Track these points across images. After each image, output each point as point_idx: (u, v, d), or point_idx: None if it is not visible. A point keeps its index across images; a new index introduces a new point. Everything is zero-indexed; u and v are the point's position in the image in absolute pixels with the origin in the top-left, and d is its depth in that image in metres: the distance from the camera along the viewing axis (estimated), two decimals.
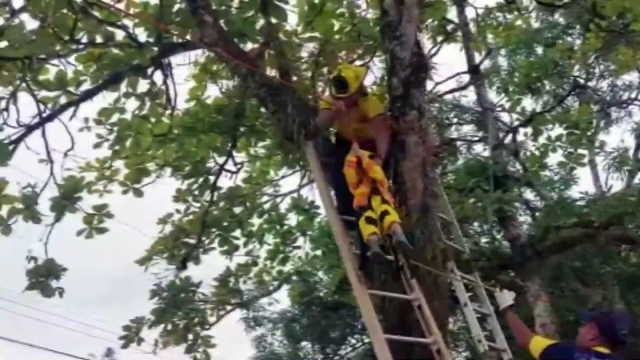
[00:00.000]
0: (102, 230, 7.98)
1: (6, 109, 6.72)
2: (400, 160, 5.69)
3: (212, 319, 10.71)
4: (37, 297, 7.60)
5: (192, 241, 9.83)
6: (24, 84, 6.67)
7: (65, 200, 7.39)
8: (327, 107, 5.88)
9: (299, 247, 11.13)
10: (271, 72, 6.71)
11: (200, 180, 9.48)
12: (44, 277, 7.41)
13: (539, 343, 4.33)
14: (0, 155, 5.33)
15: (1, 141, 5.49)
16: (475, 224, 10.82)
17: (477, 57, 10.98)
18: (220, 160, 9.20)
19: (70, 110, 7.22)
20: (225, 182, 9.73)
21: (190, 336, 10.28)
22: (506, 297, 4.95)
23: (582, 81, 11.84)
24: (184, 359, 10.45)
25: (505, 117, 11.66)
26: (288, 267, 11.66)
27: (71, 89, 7.28)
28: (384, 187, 5.35)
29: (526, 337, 4.44)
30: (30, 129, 6.80)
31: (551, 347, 4.27)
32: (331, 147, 6.00)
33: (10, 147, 6.55)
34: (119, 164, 8.78)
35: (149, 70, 7.47)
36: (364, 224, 5.18)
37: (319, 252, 11.38)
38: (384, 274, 5.39)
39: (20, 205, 7.34)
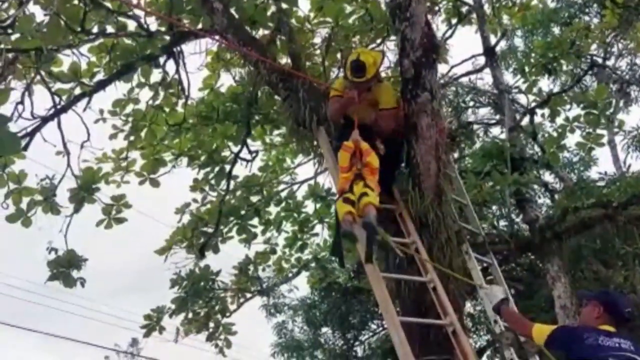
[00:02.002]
0: (121, 220, 8.06)
1: (21, 102, 6.78)
2: (413, 143, 5.67)
3: (232, 307, 10.80)
4: (65, 289, 7.73)
5: (210, 230, 9.89)
6: (38, 77, 6.73)
7: (84, 192, 7.46)
8: (338, 94, 5.85)
9: (316, 235, 11.15)
10: (283, 59, 6.71)
11: (216, 169, 9.51)
12: (65, 267, 7.52)
13: (542, 330, 4.24)
14: (13, 146, 5.39)
15: (12, 132, 5.53)
16: (493, 207, 10.75)
17: (493, 39, 10.85)
18: (236, 149, 9.23)
19: (85, 101, 7.27)
20: (241, 171, 9.78)
21: (211, 324, 10.37)
22: (496, 292, 4.92)
23: (599, 60, 11.65)
24: (205, 346, 10.57)
25: (522, 98, 11.53)
26: (306, 254, 11.70)
27: (85, 80, 7.34)
28: (373, 175, 5.33)
29: (527, 327, 4.36)
30: (45, 120, 6.87)
31: (557, 331, 4.20)
32: (341, 130, 5.98)
33: (26, 139, 6.64)
34: (135, 154, 8.85)
35: (161, 60, 7.50)
36: (341, 203, 5.21)
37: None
38: (399, 257, 5.40)
39: (39, 197, 7.44)
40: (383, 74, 6.84)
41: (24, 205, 7.49)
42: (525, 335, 4.43)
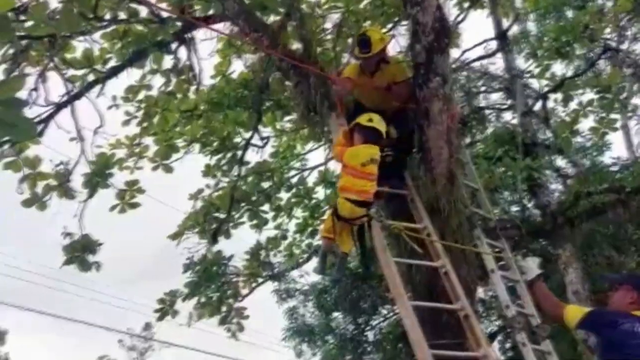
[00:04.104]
0: (134, 206, 8.12)
1: (35, 88, 6.83)
2: (425, 128, 5.67)
3: (244, 292, 10.88)
4: (78, 274, 7.82)
5: (222, 216, 9.94)
6: (51, 63, 6.76)
7: (97, 177, 7.53)
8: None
9: None
10: (293, 44, 6.70)
11: (228, 155, 9.54)
12: (81, 252, 7.61)
13: (575, 312, 4.17)
14: (28, 132, 5.45)
15: (27, 118, 5.58)
16: (505, 192, 10.73)
17: (505, 23, 10.78)
18: (247, 135, 9.25)
19: (98, 88, 7.31)
20: (252, 157, 9.80)
21: (224, 308, 10.45)
22: (532, 266, 4.84)
23: (613, 44, 11.53)
24: (218, 330, 10.67)
25: (534, 83, 11.46)
26: (317, 240, 11.74)
27: (98, 66, 7.38)
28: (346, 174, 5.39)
29: (559, 308, 4.28)
30: (59, 107, 6.92)
31: (591, 314, 4.11)
32: (352, 115, 6.00)
33: (41, 126, 6.69)
34: (148, 140, 8.89)
35: (173, 46, 7.52)
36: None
37: None
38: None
39: (54, 182, 7.51)
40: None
41: (38, 191, 7.55)
42: (554, 315, 4.31)
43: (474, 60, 11.27)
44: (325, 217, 5.79)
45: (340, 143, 5.54)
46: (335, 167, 10.12)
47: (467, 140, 10.45)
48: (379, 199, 5.69)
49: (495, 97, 11.78)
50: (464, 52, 10.62)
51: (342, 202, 5.27)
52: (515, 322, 5.34)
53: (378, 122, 5.41)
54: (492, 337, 10.93)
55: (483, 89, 11.57)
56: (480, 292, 10.61)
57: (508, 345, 11.80)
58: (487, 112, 11.43)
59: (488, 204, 6.33)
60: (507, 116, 11.45)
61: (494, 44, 11.01)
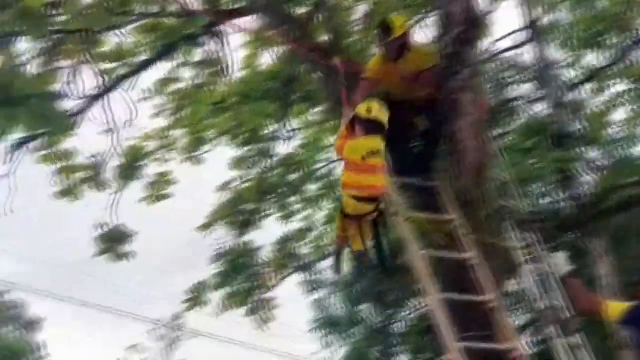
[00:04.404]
0: (164, 197, 8.24)
1: (69, 82, 6.94)
2: (454, 120, 5.64)
3: (272, 283, 10.96)
4: (107, 264, 7.97)
5: (250, 208, 10.02)
6: (84, 57, 6.87)
7: (129, 169, 7.66)
8: (371, 76, 5.89)
9: None
10: (321, 36, 6.71)
11: (256, 147, 9.61)
12: (114, 242, 7.76)
13: (616, 307, 4.11)
14: (62, 125, 5.61)
15: (61, 111, 5.74)
16: (535, 184, 10.60)
17: (536, 13, 10.59)
18: (275, 127, 9.30)
19: (130, 81, 7.41)
20: (280, 149, 9.85)
21: (252, 299, 10.55)
22: (561, 261, 4.83)
23: None
24: (246, 321, 10.76)
25: (566, 73, 11.27)
26: None
27: (129, 60, 7.47)
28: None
29: (596, 302, 4.22)
30: (92, 100, 7.04)
31: (636, 309, 4.01)
32: None
33: (75, 119, 6.82)
34: (177, 133, 8.99)
35: (203, 39, 7.58)
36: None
37: None
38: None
39: (86, 174, 7.65)
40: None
41: (71, 183, 7.70)
42: (591, 310, 4.24)
43: (504, 51, 11.11)
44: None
45: (342, 136, 5.36)
46: None
47: (497, 132, 10.34)
48: (407, 192, 5.68)
49: (526, 87, 11.60)
50: (494, 42, 10.48)
51: (346, 200, 5.13)
52: (545, 315, 5.31)
53: (378, 112, 5.20)
54: (521, 330, 10.85)
55: (513, 80, 11.40)
56: (510, 285, 10.52)
57: (537, 338, 11.70)
58: (517, 103, 11.28)
59: (518, 197, 6.28)
60: (538, 107, 11.28)
61: (524, 34, 10.84)
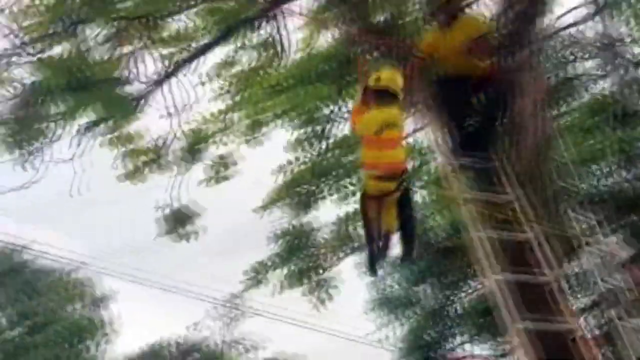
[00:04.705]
0: (224, 179, 8.44)
1: (131, 67, 7.15)
2: (513, 99, 5.58)
3: (328, 263, 11.07)
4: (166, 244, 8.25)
5: (306, 190, 10.13)
6: (147, 42, 7.05)
7: (190, 152, 7.87)
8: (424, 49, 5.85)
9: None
10: (377, 16, 6.70)
11: (312, 130, 9.68)
12: (178, 222, 8.02)
13: None
14: (127, 109, 5.84)
15: (124, 96, 5.96)
16: (597, 165, 10.34)
17: None
18: (330, 109, 9.34)
19: (189, 65, 7.58)
20: (336, 131, 9.88)
21: (309, 279, 10.70)
22: (621, 247, 4.75)
23: None
24: (303, 301, 10.93)
25: (630, 50, 10.89)
26: None
27: (189, 44, 7.63)
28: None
29: None
30: (154, 85, 7.24)
31: None
32: (440, 85, 5.96)
33: (137, 103, 7.03)
34: (236, 116, 9.14)
35: (260, 22, 7.67)
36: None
37: (432, 197, 11.36)
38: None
39: (150, 157, 7.90)
40: None
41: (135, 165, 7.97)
42: None
43: (566, 27, 10.81)
44: None
45: (356, 112, 5.07)
46: (421, 137, 10.10)
47: (558, 110, 10.12)
48: (465, 172, 5.66)
49: (588, 65, 11.27)
50: (555, 18, 10.20)
51: (367, 181, 4.81)
52: (606, 297, 5.23)
53: (389, 80, 4.83)
54: (582, 312, 10.67)
55: (575, 57, 11.10)
56: (570, 266, 10.35)
57: (600, 320, 11.47)
58: (579, 81, 10.98)
59: (578, 177, 6.18)
60: (601, 85, 10.95)
61: (588, 10, 10.51)
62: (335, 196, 10.20)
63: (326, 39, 8.75)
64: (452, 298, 12.29)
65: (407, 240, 5.25)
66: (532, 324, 4.58)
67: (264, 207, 10.40)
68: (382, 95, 4.74)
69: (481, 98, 5.77)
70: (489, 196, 5.37)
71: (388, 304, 12.50)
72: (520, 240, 5.22)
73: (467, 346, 12.11)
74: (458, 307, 12.16)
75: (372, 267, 5.32)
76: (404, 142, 4.93)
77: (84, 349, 21.86)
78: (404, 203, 4.94)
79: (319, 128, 9.65)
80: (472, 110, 5.87)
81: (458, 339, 12.17)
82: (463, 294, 12.53)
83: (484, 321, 10.91)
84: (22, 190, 7.30)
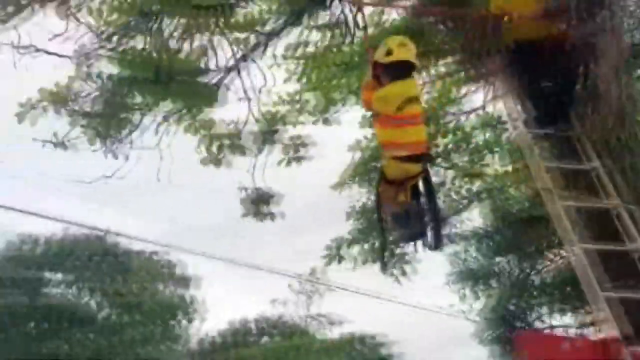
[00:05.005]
0: (300, 158, 8.62)
1: (206, 55, 7.37)
2: (591, 64, 5.42)
3: None
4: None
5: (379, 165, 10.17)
6: (221, 29, 7.24)
7: (267, 134, 8.09)
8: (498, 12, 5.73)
9: (487, 165, 11.01)
10: None
11: None
12: (259, 203, 8.28)
13: None
14: (210, 98, 6.08)
15: (209, 85, 6.16)
16: None
17: None
18: None
19: (262, 48, 7.74)
20: None
21: (386, 254, 10.79)
22: None
23: None
24: (382, 275, 11.06)
25: None
26: (477, 185, 11.63)
27: (261, 28, 7.78)
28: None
29: None
30: (228, 70, 7.44)
31: None
32: (514, 55, 5.85)
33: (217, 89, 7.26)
34: (309, 96, 9.26)
35: (328, 1, 7.73)
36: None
37: (508, 169, 11.18)
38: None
39: (229, 141, 8.16)
40: None
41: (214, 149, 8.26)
42: None
43: None
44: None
45: (368, 87, 4.52)
46: (495, 108, 9.92)
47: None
48: (544, 140, 5.56)
49: None
50: None
51: (387, 163, 4.27)
52: None
53: (400, 52, 4.31)
54: None
55: None
56: None
57: None
58: None
59: None
60: None
61: None
62: None
63: (397, 12, 8.71)
64: (534, 269, 12.13)
65: (436, 227, 4.78)
66: (616, 293, 4.51)
67: (341, 184, 10.56)
68: (397, 69, 4.28)
69: (558, 64, 5.62)
70: (569, 165, 5.27)
71: (469, 276, 12.46)
72: (603, 209, 5.11)
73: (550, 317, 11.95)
74: (540, 278, 11.99)
75: (383, 258, 4.73)
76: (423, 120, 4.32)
77: (176, 326, 22.95)
78: (428, 187, 4.55)
79: None
80: (549, 77, 5.73)
81: (542, 310, 12.01)
82: (546, 264, 12.33)
83: (567, 292, 10.72)
84: (109, 177, 7.68)
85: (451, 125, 10.74)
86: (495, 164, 10.91)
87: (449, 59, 9.23)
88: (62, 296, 22.71)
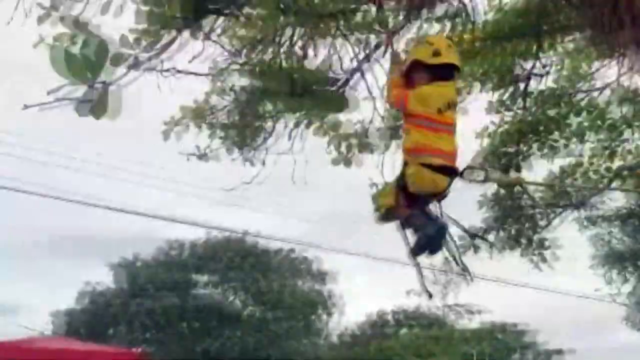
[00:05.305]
0: None
1: (329, 58, 7.59)
2: None
3: (542, 223, 10.84)
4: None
5: (511, 150, 9.98)
6: (342, 32, 7.44)
7: (392, 129, 8.21)
8: None
9: (626, 140, 10.46)
10: None
11: (510, 89, 9.49)
12: None
13: None
14: (340, 105, 6.33)
15: (340, 94, 6.39)
16: None
17: None
18: (527, 65, 9.08)
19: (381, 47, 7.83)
20: (536, 86, 9.58)
21: (524, 240, 10.59)
22: None
23: None
24: (520, 262, 10.85)
25: None
26: (616, 163, 11.08)
27: (380, 27, 7.89)
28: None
29: None
30: (352, 73, 7.63)
31: None
32: None
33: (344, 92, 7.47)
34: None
35: None
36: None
37: None
38: None
39: (354, 140, 8.38)
40: None
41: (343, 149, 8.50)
42: None
43: None
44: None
45: (397, 84, 3.99)
46: (630, 81, 9.40)
47: None
48: None
49: None
50: None
51: (417, 170, 3.72)
52: None
53: (449, 54, 3.88)
54: None
55: None
56: None
57: None
58: None
59: None
60: None
61: None
62: (545, 151, 9.93)
63: None
64: None
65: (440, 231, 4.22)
66: None
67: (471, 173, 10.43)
68: (442, 71, 3.88)
69: None
70: None
71: (615, 258, 11.91)
72: None
73: None
74: None
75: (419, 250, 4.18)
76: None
77: (316, 320, 23.69)
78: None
79: (518, 85, 9.42)
80: None
81: None
82: None
83: None
84: (248, 183, 8.16)
85: (583, 103, 10.31)
86: (635, 140, 10.35)
87: (577, 35, 8.89)
88: (210, 296, 24.15)
